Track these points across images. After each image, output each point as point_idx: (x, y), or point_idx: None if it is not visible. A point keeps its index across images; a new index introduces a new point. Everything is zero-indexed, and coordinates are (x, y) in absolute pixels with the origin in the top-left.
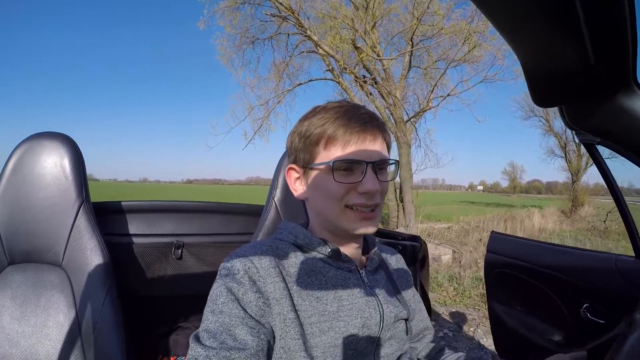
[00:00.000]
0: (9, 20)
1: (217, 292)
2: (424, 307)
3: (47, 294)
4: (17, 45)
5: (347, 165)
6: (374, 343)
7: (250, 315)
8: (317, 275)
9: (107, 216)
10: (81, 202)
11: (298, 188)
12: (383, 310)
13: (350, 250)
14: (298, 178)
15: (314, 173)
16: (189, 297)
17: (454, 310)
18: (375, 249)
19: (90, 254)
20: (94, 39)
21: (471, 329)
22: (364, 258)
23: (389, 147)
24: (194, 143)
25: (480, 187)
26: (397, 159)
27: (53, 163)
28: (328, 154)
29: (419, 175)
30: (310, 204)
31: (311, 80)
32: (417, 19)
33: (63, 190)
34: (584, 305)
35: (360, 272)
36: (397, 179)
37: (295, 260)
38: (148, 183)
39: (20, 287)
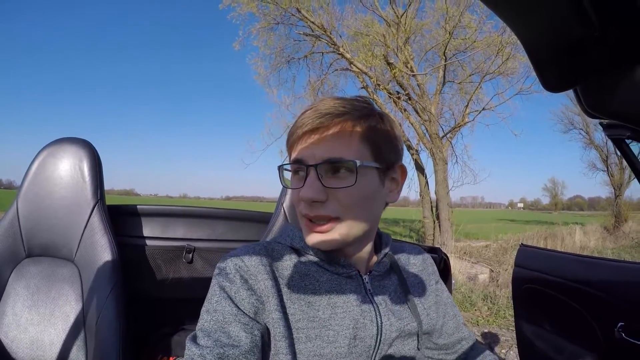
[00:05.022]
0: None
1: (212, 291)
2: (458, 313)
3: (58, 287)
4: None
5: (294, 168)
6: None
7: (244, 312)
8: (310, 280)
9: (122, 218)
10: (95, 202)
11: None
12: (381, 323)
13: (351, 254)
14: None
15: None
16: (196, 300)
17: (486, 330)
18: (387, 250)
19: (101, 251)
20: (139, 64)
21: (503, 350)
22: (373, 261)
23: (371, 140)
24: (233, 160)
25: (521, 205)
26: (356, 159)
27: (72, 165)
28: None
29: (457, 193)
30: None
31: None
32: (449, 33)
33: (79, 191)
34: (619, 325)
35: (364, 277)
36: (433, 196)
37: (289, 262)
38: (188, 199)
39: (34, 278)
